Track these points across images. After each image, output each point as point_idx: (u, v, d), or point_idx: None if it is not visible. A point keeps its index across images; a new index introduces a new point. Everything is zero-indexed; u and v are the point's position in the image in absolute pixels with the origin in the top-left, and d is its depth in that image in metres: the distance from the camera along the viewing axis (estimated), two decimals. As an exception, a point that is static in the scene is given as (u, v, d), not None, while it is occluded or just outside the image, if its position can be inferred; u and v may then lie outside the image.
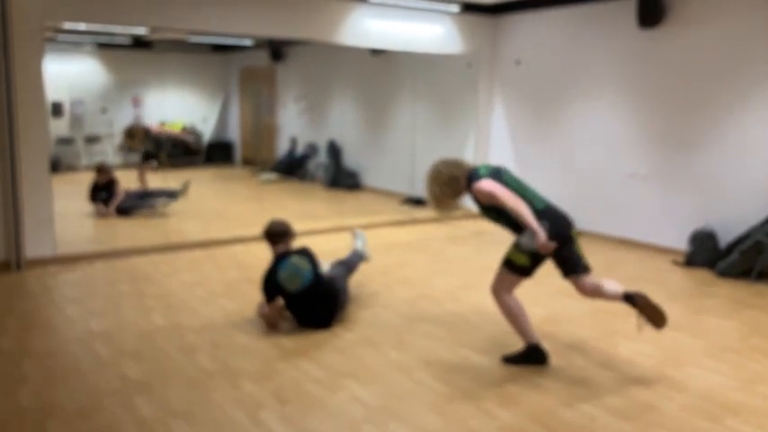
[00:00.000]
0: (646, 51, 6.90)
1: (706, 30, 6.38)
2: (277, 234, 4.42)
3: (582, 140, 7.65)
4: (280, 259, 4.32)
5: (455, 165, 3.81)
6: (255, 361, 3.82)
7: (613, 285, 3.74)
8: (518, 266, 3.75)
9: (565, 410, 3.26)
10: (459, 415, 3.21)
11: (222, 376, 3.60)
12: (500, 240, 7.51)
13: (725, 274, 5.89)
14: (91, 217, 8.20)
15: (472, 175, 3.74)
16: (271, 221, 4.52)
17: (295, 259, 4.32)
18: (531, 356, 3.81)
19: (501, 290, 3.83)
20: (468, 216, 8.63)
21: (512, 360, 3.85)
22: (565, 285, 4.56)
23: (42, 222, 5.90)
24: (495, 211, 3.69)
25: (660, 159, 6.87)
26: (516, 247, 3.74)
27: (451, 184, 3.75)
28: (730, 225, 6.26)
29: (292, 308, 4.35)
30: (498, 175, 3.75)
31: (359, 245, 5.24)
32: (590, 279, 3.74)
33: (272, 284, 4.26)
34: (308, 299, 4.32)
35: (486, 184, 3.64)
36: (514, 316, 3.80)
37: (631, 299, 3.64)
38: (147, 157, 9.78)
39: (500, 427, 3.08)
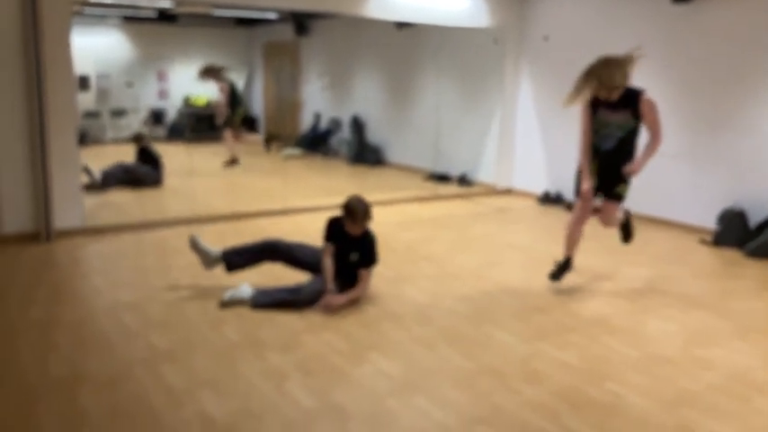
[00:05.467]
0: (678, 27, 6.74)
1: (741, 5, 6.20)
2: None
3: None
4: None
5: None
6: (280, 333, 3.86)
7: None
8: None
9: (590, 388, 3.26)
10: (483, 390, 3.21)
11: (248, 347, 3.65)
12: (523, 218, 7.48)
13: (753, 254, 5.80)
14: (118, 189, 8.28)
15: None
16: (357, 198, 4.61)
17: None
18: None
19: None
20: (491, 193, 8.59)
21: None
22: (587, 267, 4.53)
23: (71, 194, 5.99)
24: (634, 134, 4.64)
25: (691, 137, 6.74)
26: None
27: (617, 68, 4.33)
28: (760, 205, 6.15)
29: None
30: None
31: (207, 247, 4.60)
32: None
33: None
34: None
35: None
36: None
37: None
38: (249, 123, 9.71)
39: (524, 403, 3.09)
